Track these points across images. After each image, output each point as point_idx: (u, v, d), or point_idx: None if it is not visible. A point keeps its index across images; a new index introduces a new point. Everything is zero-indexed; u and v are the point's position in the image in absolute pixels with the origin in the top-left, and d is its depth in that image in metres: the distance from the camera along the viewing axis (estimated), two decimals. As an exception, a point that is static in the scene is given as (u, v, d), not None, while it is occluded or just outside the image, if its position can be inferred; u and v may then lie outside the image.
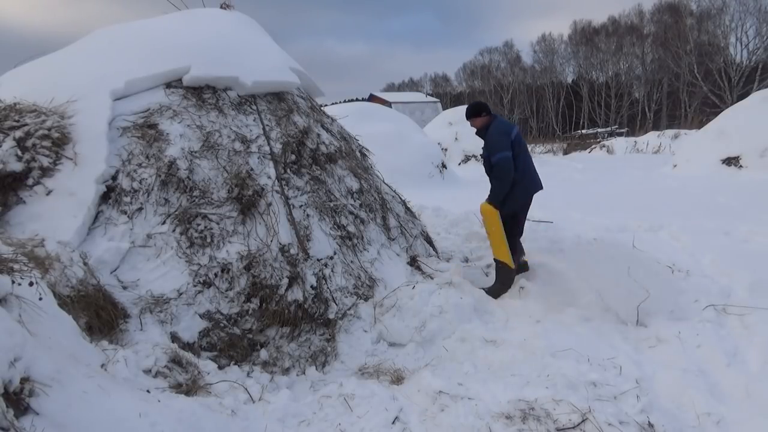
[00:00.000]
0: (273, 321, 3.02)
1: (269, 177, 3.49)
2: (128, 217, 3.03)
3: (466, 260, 4.87)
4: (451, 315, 3.28)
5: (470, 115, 4.18)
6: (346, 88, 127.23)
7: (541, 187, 4.18)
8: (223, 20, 4.51)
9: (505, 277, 4.03)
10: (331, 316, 3.21)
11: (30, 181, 2.94)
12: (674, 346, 2.93)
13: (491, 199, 4.00)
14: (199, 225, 3.13)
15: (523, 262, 4.40)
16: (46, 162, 2.99)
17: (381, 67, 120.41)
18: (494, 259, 4.12)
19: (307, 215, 3.52)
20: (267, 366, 2.88)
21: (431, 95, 52.44)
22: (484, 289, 3.93)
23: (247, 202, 3.29)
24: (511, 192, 3.93)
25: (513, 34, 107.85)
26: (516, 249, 4.23)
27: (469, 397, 2.41)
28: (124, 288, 2.78)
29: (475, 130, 4.22)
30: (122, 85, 3.48)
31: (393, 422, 2.30)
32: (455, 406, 2.36)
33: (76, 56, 3.91)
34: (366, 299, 3.45)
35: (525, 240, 5.08)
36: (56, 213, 2.85)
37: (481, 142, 4.19)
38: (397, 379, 2.75)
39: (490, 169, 4.06)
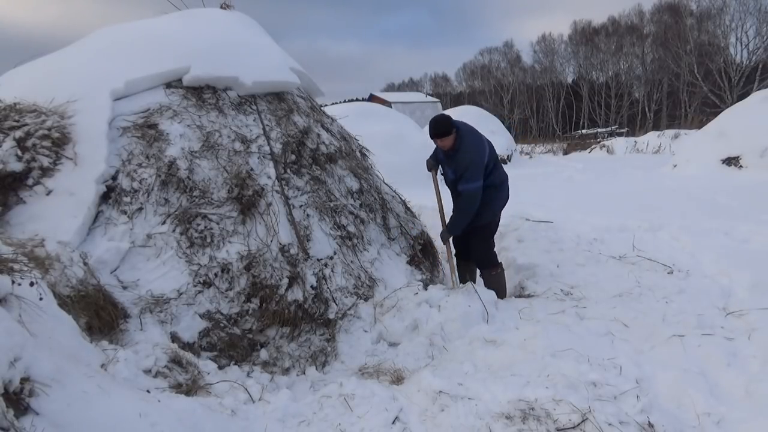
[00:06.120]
0: (273, 321, 3.02)
1: (269, 177, 3.49)
2: (128, 217, 3.03)
3: (466, 260, 4.87)
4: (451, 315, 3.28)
5: (441, 134, 3.50)
6: (346, 88, 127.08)
7: (508, 199, 3.92)
8: (223, 20, 4.51)
9: (497, 284, 3.86)
10: (331, 316, 3.21)
11: (30, 181, 2.94)
12: (674, 346, 2.93)
13: (451, 230, 3.72)
14: (199, 225, 3.13)
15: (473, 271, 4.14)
16: (46, 162, 2.99)
17: (379, 67, 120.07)
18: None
19: (307, 215, 3.52)
20: (267, 366, 2.88)
21: (431, 95, 52.31)
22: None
23: (247, 202, 3.29)
24: (492, 203, 3.72)
25: (511, 32, 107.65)
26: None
27: (469, 397, 2.41)
28: (124, 288, 2.78)
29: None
30: (122, 85, 3.48)
31: (393, 422, 2.30)
32: (455, 406, 2.36)
33: (76, 56, 3.91)
34: (366, 299, 3.45)
35: (525, 240, 5.10)
36: (56, 213, 2.85)
37: None
38: (397, 379, 2.75)
39: (456, 193, 3.67)
